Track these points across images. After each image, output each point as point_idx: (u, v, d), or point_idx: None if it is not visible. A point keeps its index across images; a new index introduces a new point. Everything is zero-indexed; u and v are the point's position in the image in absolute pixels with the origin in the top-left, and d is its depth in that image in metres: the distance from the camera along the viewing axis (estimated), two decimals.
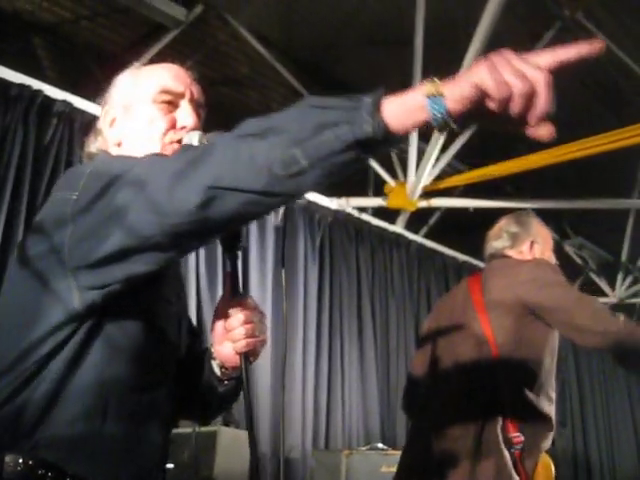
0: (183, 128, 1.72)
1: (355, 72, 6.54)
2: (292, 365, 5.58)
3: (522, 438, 2.71)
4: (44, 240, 1.48)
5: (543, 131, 1.11)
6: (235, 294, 1.61)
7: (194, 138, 1.63)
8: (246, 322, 1.57)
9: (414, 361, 3.25)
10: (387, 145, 1.18)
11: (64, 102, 4.76)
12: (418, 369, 3.12)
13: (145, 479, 1.57)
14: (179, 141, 1.70)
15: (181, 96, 1.75)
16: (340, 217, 6.56)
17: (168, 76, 1.76)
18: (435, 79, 1.13)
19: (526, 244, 3.14)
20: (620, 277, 9.87)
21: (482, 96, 1.10)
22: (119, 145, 1.75)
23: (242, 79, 6.72)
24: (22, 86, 4.61)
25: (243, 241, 1.60)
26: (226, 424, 4.59)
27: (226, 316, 1.60)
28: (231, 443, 4.48)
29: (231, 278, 1.62)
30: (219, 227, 1.36)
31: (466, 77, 1.11)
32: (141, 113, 1.73)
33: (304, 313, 5.83)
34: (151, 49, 5.83)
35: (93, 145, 1.80)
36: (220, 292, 5.27)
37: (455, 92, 1.11)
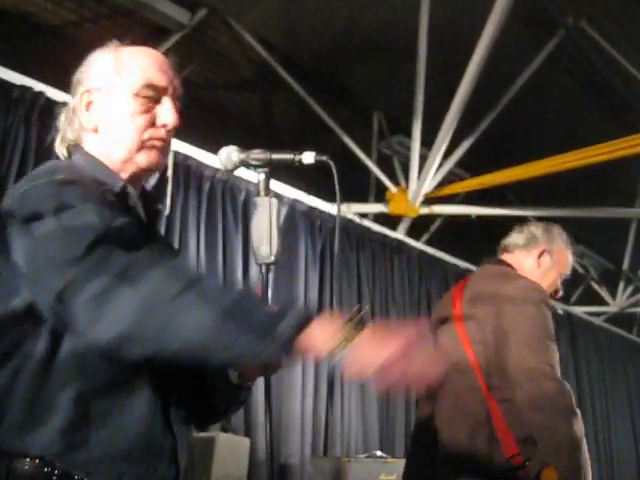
0: (164, 126, 1.70)
1: (357, 77, 6.55)
2: (291, 371, 5.55)
3: (522, 457, 2.58)
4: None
5: None
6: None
7: (233, 154, 1.68)
8: None
9: None
10: None
11: (66, 104, 4.72)
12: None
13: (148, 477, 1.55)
14: (159, 139, 1.70)
15: (164, 91, 1.72)
16: (341, 223, 6.53)
17: (153, 68, 1.72)
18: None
19: (538, 249, 3.07)
20: (621, 286, 9.88)
21: None
22: (95, 131, 1.72)
23: (244, 83, 6.70)
24: (24, 88, 4.59)
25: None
26: (224, 430, 4.56)
27: None
28: (229, 449, 4.46)
29: (261, 289, 1.63)
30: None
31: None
32: (121, 104, 1.69)
33: None
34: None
35: (70, 129, 1.76)
36: None
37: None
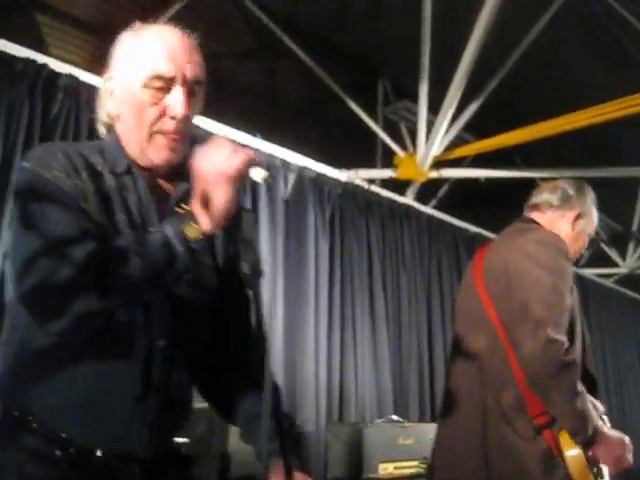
0: (173, 117, 1.67)
1: (362, 43, 6.46)
2: (304, 339, 5.54)
3: (548, 416, 2.54)
4: None
5: None
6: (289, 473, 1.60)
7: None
8: None
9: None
10: None
11: (70, 76, 4.68)
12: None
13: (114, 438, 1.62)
14: (169, 132, 1.68)
15: (172, 81, 1.68)
16: (349, 189, 6.48)
17: (162, 57, 1.68)
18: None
19: (574, 212, 2.96)
20: (631, 247, 9.85)
21: None
22: (118, 118, 1.75)
23: (247, 52, 6.63)
24: (27, 60, 4.54)
25: None
26: None
27: None
28: None
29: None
30: None
31: None
32: (133, 96, 1.69)
33: (315, 287, 5.77)
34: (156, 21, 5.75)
35: (102, 113, 1.80)
36: None
37: None
